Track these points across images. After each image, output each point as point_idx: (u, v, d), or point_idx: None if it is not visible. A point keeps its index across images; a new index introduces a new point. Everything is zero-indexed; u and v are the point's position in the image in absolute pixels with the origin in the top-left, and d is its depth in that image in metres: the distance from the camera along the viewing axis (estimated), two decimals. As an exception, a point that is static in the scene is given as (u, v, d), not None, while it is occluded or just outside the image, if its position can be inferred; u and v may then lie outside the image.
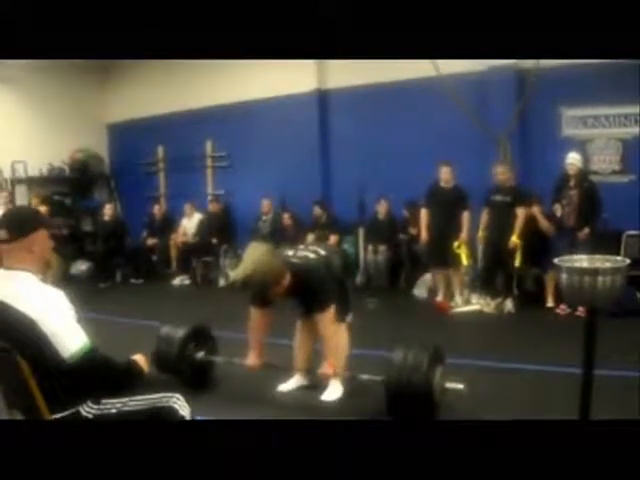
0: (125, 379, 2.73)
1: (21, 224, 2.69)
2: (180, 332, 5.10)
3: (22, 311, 2.50)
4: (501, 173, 8.24)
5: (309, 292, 4.62)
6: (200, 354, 5.14)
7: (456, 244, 8.25)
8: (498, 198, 8.22)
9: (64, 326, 2.54)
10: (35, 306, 2.52)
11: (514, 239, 7.94)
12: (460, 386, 4.31)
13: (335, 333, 4.69)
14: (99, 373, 2.63)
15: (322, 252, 4.81)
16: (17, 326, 2.50)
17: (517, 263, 7.97)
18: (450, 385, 4.33)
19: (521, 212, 8.04)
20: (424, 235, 8.57)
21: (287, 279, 4.52)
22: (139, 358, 2.81)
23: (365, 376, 4.66)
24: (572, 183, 7.79)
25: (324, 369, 4.74)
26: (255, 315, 4.84)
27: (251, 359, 4.87)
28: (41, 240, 2.72)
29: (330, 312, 4.62)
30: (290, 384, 5.07)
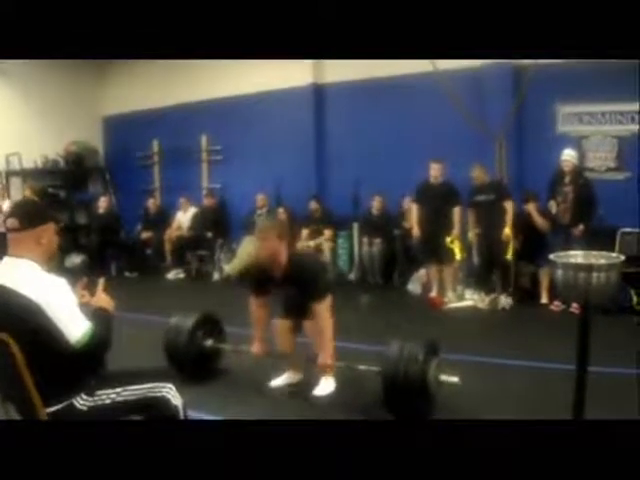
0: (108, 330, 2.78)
1: (32, 215, 2.76)
2: (189, 321, 5.22)
3: (28, 296, 2.54)
4: (477, 177, 8.40)
5: (306, 280, 4.63)
6: (209, 342, 5.25)
7: (449, 239, 8.27)
8: (482, 198, 8.34)
9: (70, 312, 2.61)
10: (41, 292, 2.56)
11: (507, 231, 8.01)
12: (455, 379, 4.34)
13: (330, 324, 4.70)
14: (101, 352, 2.72)
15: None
16: (21, 311, 2.53)
17: (509, 256, 8.02)
18: (445, 378, 4.35)
19: (509, 205, 8.14)
20: (415, 231, 8.60)
21: (284, 251, 4.60)
22: (101, 299, 2.88)
23: (362, 366, 4.70)
24: (567, 180, 7.81)
25: (324, 359, 4.74)
26: (254, 306, 4.93)
27: (255, 347, 4.97)
28: (49, 233, 2.79)
29: (327, 301, 4.65)
30: (281, 380, 5.07)
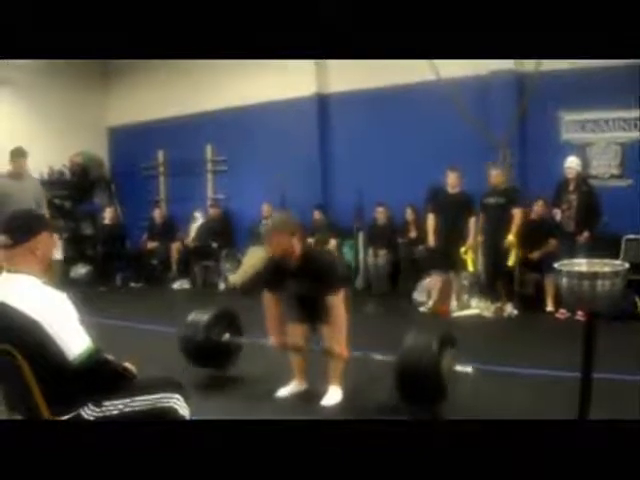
0: (121, 381, 2.76)
1: (23, 229, 2.70)
2: (205, 317, 5.31)
3: (26, 313, 2.51)
4: (495, 176, 8.27)
5: (320, 272, 4.69)
6: (225, 336, 5.32)
7: (463, 250, 8.24)
8: (491, 201, 8.25)
9: (69, 328, 2.57)
10: (39, 308, 2.53)
11: (510, 238, 7.96)
12: (469, 369, 4.42)
13: (345, 316, 4.72)
14: (101, 374, 2.67)
15: None
16: (20, 328, 2.50)
17: (511, 263, 8.01)
18: (460, 368, 4.43)
19: (517, 212, 8.05)
20: (431, 240, 8.50)
21: (297, 245, 4.64)
22: (130, 365, 2.86)
23: (378, 356, 4.77)
24: (571, 187, 7.82)
25: (340, 350, 4.73)
26: (268, 301, 4.95)
27: (273, 340, 4.99)
28: (43, 243, 2.73)
29: (341, 294, 4.71)
30: (288, 389, 5.06)
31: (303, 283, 4.75)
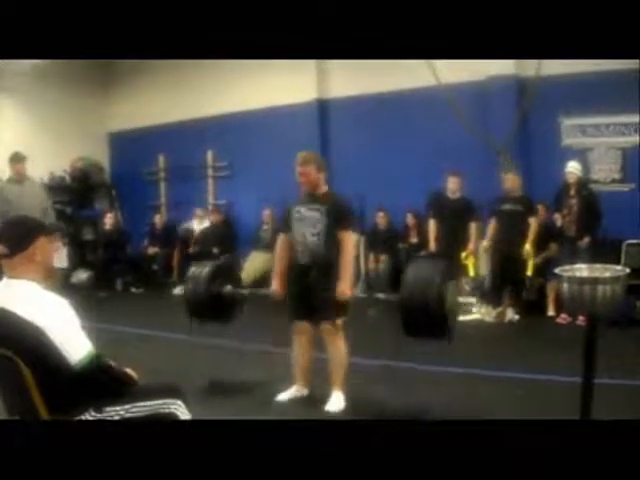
0: (122, 387, 2.76)
1: (20, 237, 2.68)
2: (206, 269, 5.43)
3: (27, 319, 2.51)
4: (511, 180, 8.19)
5: (342, 206, 4.96)
6: (227, 288, 5.39)
7: (464, 255, 8.24)
8: (507, 207, 8.16)
9: (70, 333, 2.56)
10: (41, 314, 2.52)
11: (527, 248, 7.92)
12: (472, 299, 4.42)
13: (352, 256, 4.92)
14: (102, 380, 2.66)
15: None
16: (21, 334, 2.50)
17: (529, 272, 7.99)
18: (462, 299, 4.41)
19: (533, 221, 8.02)
20: (432, 245, 8.48)
21: (323, 177, 4.96)
22: (131, 371, 2.86)
23: (381, 295, 4.75)
24: (572, 192, 7.81)
25: (343, 289, 4.75)
26: (281, 242, 5.16)
27: (274, 286, 5.07)
28: (42, 248, 2.71)
29: (353, 235, 4.98)
30: (289, 394, 5.04)
31: (323, 214, 4.87)
